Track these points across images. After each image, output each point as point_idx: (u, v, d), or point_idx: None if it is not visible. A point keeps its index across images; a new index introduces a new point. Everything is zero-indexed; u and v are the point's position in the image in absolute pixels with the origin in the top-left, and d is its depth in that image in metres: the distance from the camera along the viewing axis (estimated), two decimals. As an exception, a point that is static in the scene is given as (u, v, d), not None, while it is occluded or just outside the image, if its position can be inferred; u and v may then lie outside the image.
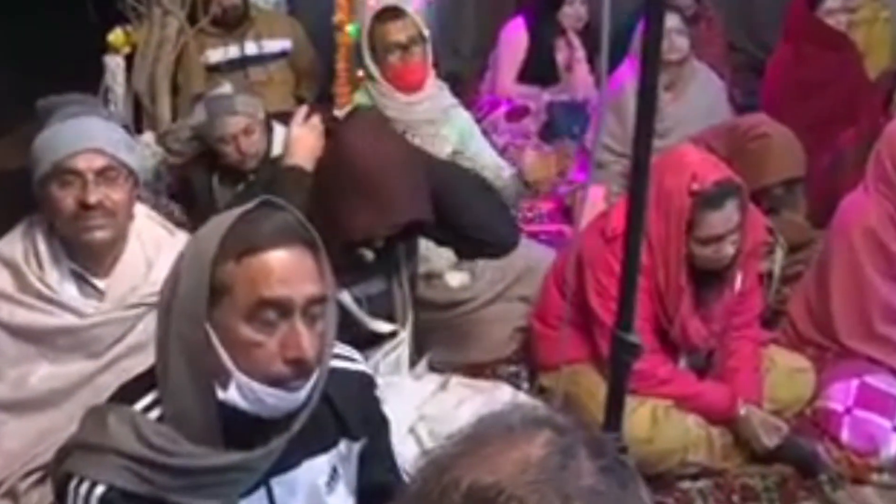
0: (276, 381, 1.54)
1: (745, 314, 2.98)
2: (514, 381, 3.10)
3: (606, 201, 3.82)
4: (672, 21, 4.08)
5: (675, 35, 4.14)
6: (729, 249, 2.75)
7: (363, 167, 2.32)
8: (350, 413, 1.78)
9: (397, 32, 3.43)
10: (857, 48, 4.54)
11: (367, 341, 2.55)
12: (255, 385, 1.54)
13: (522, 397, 2.68)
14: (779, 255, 3.40)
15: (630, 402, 2.65)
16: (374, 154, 2.34)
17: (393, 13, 3.49)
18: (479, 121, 4.58)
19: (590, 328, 2.84)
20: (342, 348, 1.82)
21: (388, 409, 1.96)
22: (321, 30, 4.55)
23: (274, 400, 1.56)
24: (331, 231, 1.92)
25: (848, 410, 2.91)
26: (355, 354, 1.87)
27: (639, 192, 1.61)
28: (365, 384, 1.85)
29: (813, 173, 3.66)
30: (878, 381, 2.96)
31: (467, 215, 2.53)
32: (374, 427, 1.87)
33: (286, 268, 1.54)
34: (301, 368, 1.55)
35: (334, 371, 1.71)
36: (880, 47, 4.92)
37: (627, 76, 4.05)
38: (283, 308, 1.53)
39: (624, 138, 3.78)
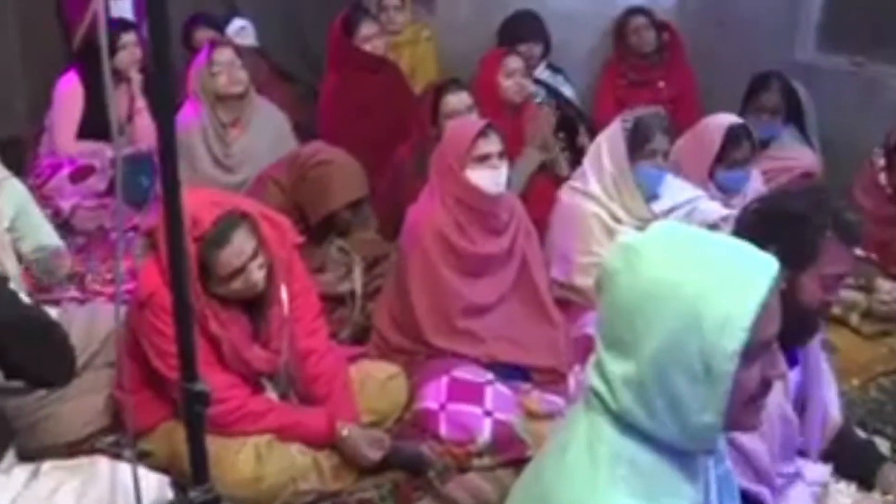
0: None
1: (305, 314, 2.99)
2: (115, 450, 2.96)
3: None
4: (226, 55, 4.12)
5: (237, 70, 4.17)
6: (257, 275, 2.77)
7: None
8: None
9: None
10: (398, 68, 4.85)
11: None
12: None
13: (123, 467, 2.57)
14: (357, 273, 3.54)
15: (232, 444, 2.70)
16: None
17: None
18: (41, 186, 4.35)
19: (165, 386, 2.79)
20: None
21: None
22: None
23: None
24: None
25: (442, 406, 3.06)
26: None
27: (176, 241, 1.59)
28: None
29: (377, 190, 3.84)
30: (466, 373, 3.15)
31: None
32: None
33: None
34: None
35: None
36: (426, 64, 5.28)
37: (190, 116, 4.02)
38: None
39: (194, 181, 3.77)
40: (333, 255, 3.57)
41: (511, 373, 3.26)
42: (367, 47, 4.56)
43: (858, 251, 4.08)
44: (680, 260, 1.41)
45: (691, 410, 1.39)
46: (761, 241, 1.52)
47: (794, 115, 4.55)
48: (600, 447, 1.44)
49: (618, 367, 1.43)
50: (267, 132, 4.28)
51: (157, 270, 2.75)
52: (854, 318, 3.95)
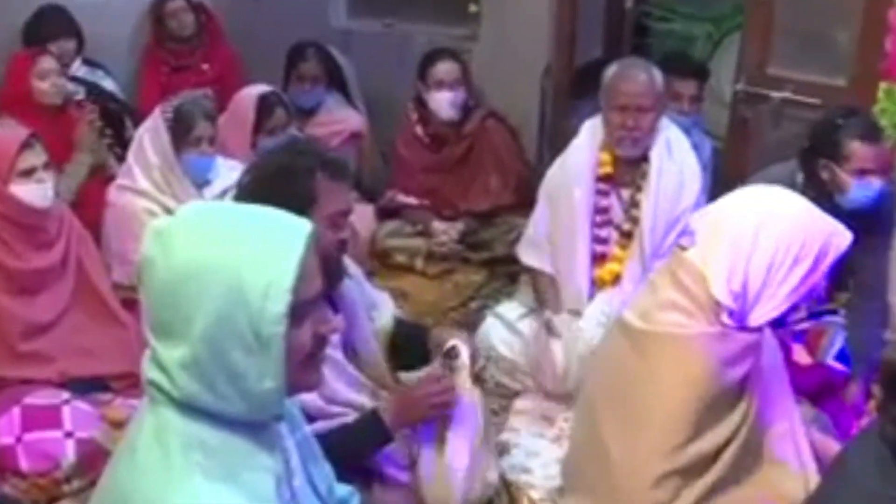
0: None
1: None
2: None
3: None
4: None
5: None
6: None
7: None
8: None
9: None
10: None
11: None
12: None
13: None
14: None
15: None
16: None
17: None
18: None
19: None
20: None
21: None
22: None
23: None
24: None
25: (18, 439, 2.89)
26: None
27: None
28: None
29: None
30: (38, 397, 2.99)
31: None
32: None
33: None
34: None
35: None
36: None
37: None
38: None
39: None
40: None
41: (89, 386, 3.15)
42: None
43: (412, 199, 4.41)
44: (214, 236, 1.43)
45: (251, 380, 1.42)
46: (265, 202, 1.57)
47: (335, 80, 4.74)
48: (169, 438, 1.44)
49: (172, 354, 1.43)
50: None
51: None
52: (419, 263, 4.25)
